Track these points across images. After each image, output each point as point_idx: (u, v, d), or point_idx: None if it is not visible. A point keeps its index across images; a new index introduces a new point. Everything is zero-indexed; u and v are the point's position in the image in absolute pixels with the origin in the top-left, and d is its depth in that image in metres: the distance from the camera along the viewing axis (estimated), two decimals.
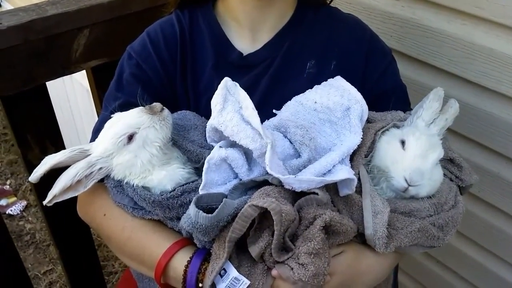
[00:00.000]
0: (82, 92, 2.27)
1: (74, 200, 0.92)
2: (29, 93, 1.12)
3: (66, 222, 1.35)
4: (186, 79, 0.93)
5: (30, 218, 2.49)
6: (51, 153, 0.78)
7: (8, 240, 1.28)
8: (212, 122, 0.76)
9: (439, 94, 0.86)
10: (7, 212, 2.48)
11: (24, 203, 2.55)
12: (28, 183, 2.55)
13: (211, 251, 0.74)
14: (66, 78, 2.34)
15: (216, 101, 0.76)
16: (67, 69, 1.16)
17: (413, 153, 0.80)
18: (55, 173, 0.77)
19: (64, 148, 1.21)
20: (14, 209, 2.50)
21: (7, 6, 2.88)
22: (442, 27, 1.10)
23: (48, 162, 0.75)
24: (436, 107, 0.86)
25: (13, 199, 2.57)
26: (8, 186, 2.66)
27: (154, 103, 0.79)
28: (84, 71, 1.32)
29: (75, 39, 1.13)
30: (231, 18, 0.95)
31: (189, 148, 0.80)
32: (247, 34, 0.94)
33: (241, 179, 0.78)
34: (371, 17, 1.23)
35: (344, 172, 0.75)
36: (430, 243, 0.82)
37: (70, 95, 2.45)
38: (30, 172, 0.77)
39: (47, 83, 1.18)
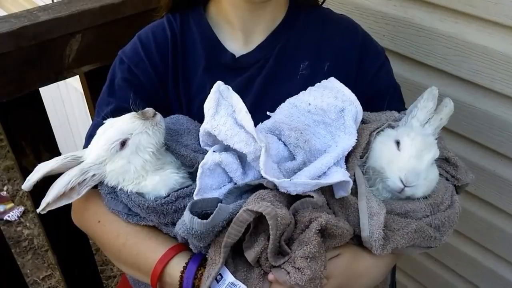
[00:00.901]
0: (77, 95, 2.26)
1: (70, 205, 0.92)
2: (22, 99, 1.11)
3: (62, 227, 1.34)
4: (178, 83, 0.93)
5: (28, 224, 2.48)
6: (45, 159, 0.78)
7: (5, 246, 1.27)
8: (205, 126, 0.76)
9: (434, 93, 0.86)
10: (4, 218, 2.47)
11: (21, 209, 2.54)
12: None
13: (207, 256, 0.73)
14: (60, 82, 2.34)
15: (209, 105, 0.76)
16: (60, 75, 1.16)
17: (408, 154, 0.80)
18: (50, 179, 0.77)
19: (59, 154, 1.21)
20: (12, 215, 2.49)
21: (1, 13, 2.87)
22: (435, 25, 1.10)
23: (41, 169, 0.75)
24: (430, 107, 0.86)
25: (11, 205, 2.56)
26: (5, 192, 2.65)
27: (147, 108, 0.79)
28: (77, 76, 1.31)
29: (67, 45, 1.13)
30: (224, 20, 0.94)
31: (183, 152, 0.80)
32: (239, 36, 0.94)
33: (235, 183, 0.77)
34: (364, 17, 1.23)
35: (339, 174, 0.75)
36: (427, 244, 0.82)
37: (65, 99, 2.44)
38: (25, 178, 0.77)
39: (42, 87, 1.17)
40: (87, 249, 1.51)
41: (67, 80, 2.24)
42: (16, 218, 2.49)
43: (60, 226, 1.34)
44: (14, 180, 2.75)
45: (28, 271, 2.22)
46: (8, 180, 2.76)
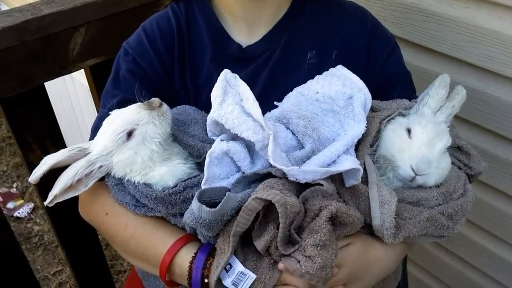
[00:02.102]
0: (84, 91, 2.26)
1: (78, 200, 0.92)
2: (27, 94, 1.10)
3: (71, 223, 1.34)
4: (184, 74, 0.92)
5: (38, 220, 2.50)
6: None
7: (15, 243, 1.27)
8: (212, 115, 0.75)
9: (445, 80, 0.85)
10: (14, 215, 2.49)
11: (31, 205, 2.56)
12: (34, 186, 2.56)
13: (215, 246, 0.73)
14: (67, 78, 2.35)
15: (216, 94, 0.75)
16: (65, 69, 1.15)
17: (419, 142, 0.79)
18: (58, 174, 0.76)
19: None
20: (22, 212, 2.51)
21: (4, 7, 2.88)
22: (444, 10, 1.08)
23: (47, 162, 0.75)
24: (442, 94, 0.85)
25: (20, 201, 2.58)
26: (14, 189, 2.67)
27: (153, 99, 0.78)
28: (83, 71, 1.31)
29: (71, 38, 1.12)
30: (226, 10, 0.93)
31: (190, 143, 0.79)
32: (243, 27, 0.92)
33: (243, 173, 0.76)
34: (371, 3, 1.21)
35: (349, 162, 0.73)
36: (439, 233, 0.81)
37: (72, 95, 2.44)
38: None
39: (48, 84, 1.17)
40: (96, 244, 1.51)
41: (73, 76, 2.25)
42: (26, 215, 2.51)
43: (69, 222, 1.34)
44: (23, 177, 2.77)
45: (39, 266, 2.24)
46: (18, 177, 2.78)
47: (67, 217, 1.32)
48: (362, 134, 0.79)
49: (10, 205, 2.53)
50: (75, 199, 0.91)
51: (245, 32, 0.92)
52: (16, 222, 2.48)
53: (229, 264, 0.69)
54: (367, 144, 0.81)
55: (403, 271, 1.01)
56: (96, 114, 0.92)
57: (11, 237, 1.26)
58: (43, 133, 1.20)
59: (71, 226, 1.36)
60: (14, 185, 2.72)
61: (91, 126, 0.89)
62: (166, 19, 0.92)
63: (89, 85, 1.33)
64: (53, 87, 2.42)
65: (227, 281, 0.69)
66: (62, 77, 1.18)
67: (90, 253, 1.50)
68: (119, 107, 0.80)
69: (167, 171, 0.76)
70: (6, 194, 2.60)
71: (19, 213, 2.50)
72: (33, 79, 1.10)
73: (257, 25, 0.92)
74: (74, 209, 0.92)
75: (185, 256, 0.75)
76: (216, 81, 0.76)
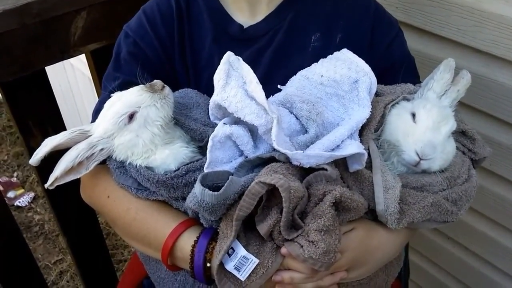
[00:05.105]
0: (84, 80, 2.25)
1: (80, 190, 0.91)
2: (28, 78, 1.10)
3: (73, 212, 1.34)
4: (185, 56, 0.91)
5: (38, 209, 2.49)
6: None
7: (17, 232, 1.27)
8: (215, 98, 0.74)
9: (450, 65, 0.84)
10: (15, 204, 2.49)
11: (32, 194, 2.56)
12: (35, 175, 2.56)
13: (218, 230, 0.72)
14: (68, 67, 2.33)
15: (219, 77, 0.74)
16: (66, 53, 1.14)
17: (424, 126, 0.78)
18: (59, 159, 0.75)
19: None
20: (22, 201, 2.51)
21: None
22: None
23: (48, 144, 0.74)
24: (447, 78, 0.84)
25: (21, 191, 2.58)
26: (15, 178, 2.67)
27: (155, 81, 0.77)
28: (84, 58, 1.29)
29: (73, 22, 1.11)
30: None
31: (192, 126, 0.78)
32: (244, 7, 0.91)
33: (246, 157, 0.76)
34: None
35: (353, 147, 0.73)
36: (443, 218, 0.80)
37: (73, 84, 2.43)
38: None
39: (49, 73, 1.16)
40: (97, 233, 1.52)
41: (74, 65, 2.23)
42: (27, 204, 2.51)
43: (71, 210, 1.34)
44: (24, 166, 2.76)
45: (40, 255, 2.24)
46: (18, 166, 2.77)
47: (68, 206, 1.32)
48: (367, 119, 0.79)
49: (10, 194, 2.53)
50: (77, 188, 0.91)
51: (247, 12, 0.91)
52: (17, 211, 2.48)
53: (232, 248, 0.69)
54: (372, 129, 0.80)
55: (405, 258, 1.01)
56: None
57: (14, 226, 1.26)
58: (43, 118, 1.19)
59: (73, 215, 1.36)
60: (15, 174, 2.72)
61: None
62: (167, 1, 0.91)
63: (90, 70, 1.32)
64: (53, 77, 2.40)
65: (230, 265, 0.69)
66: (63, 66, 1.17)
67: (91, 242, 1.51)
68: (121, 90, 0.79)
69: (169, 155, 0.76)
70: (6, 183, 2.59)
71: (19, 202, 2.50)
72: (33, 63, 1.09)
73: (259, 5, 0.90)
74: (76, 199, 0.92)
75: (187, 240, 0.75)
76: (217, 64, 0.75)
